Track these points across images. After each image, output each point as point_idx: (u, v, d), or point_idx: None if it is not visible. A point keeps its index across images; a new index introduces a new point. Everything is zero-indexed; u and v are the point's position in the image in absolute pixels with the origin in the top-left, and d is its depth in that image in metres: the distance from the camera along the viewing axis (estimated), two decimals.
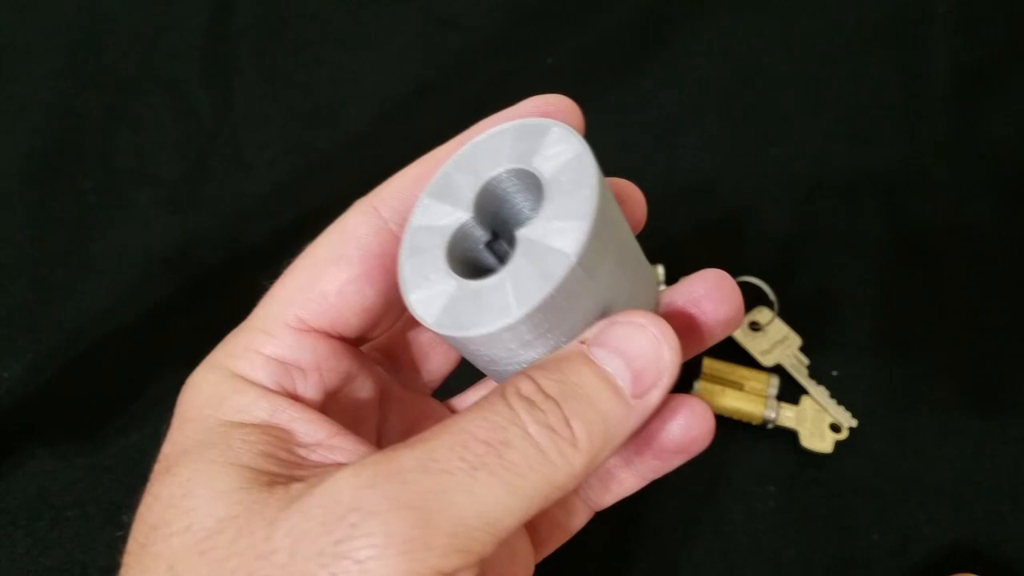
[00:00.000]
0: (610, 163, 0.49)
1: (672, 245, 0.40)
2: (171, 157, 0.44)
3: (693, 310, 0.21)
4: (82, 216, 0.42)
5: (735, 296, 0.21)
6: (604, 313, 0.18)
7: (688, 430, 0.20)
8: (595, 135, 0.46)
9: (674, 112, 0.45)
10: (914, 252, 0.41)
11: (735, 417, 0.37)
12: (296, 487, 0.17)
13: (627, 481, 0.22)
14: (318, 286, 0.20)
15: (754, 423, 0.37)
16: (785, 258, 0.41)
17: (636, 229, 0.23)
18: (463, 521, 0.16)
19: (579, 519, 0.23)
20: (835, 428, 0.37)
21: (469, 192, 0.19)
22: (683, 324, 0.21)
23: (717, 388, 0.37)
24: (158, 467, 0.19)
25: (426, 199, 0.19)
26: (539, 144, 0.18)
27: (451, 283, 0.18)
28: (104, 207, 0.43)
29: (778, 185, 0.43)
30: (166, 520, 0.18)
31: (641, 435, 0.20)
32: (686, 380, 0.37)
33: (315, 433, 0.19)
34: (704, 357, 0.38)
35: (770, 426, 0.37)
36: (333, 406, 0.21)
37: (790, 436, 0.37)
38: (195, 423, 0.19)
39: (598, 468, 0.19)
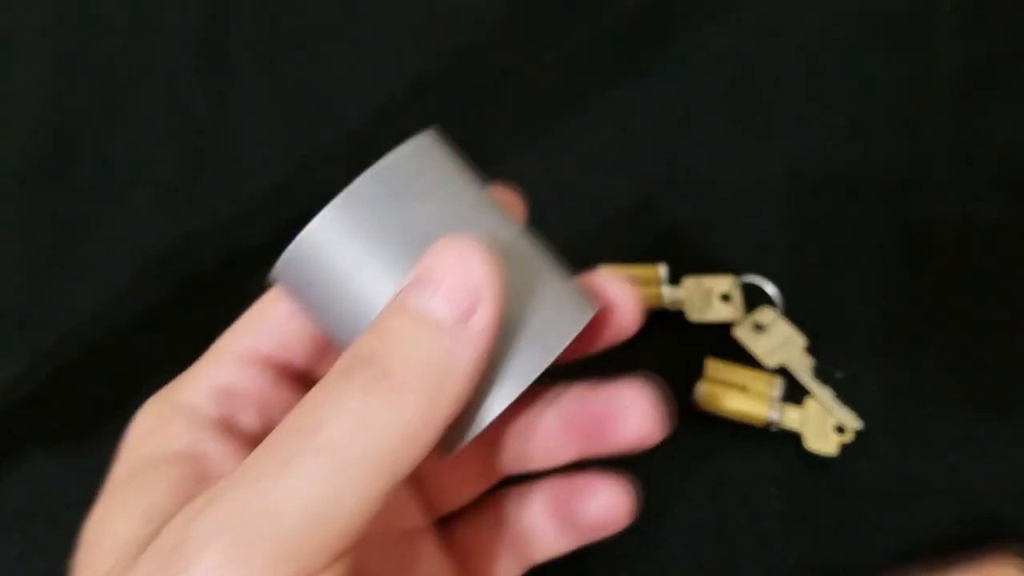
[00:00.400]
0: (609, 165, 0.49)
1: (674, 244, 0.40)
2: (166, 156, 0.43)
3: (604, 423, 0.21)
4: (77, 215, 0.42)
5: (651, 416, 0.21)
6: None
7: (606, 511, 0.21)
8: (596, 132, 0.46)
9: (675, 110, 0.45)
10: (920, 252, 0.41)
11: (738, 419, 0.36)
12: None
13: (554, 545, 0.23)
14: (268, 314, 0.21)
15: (757, 425, 0.36)
16: (788, 258, 0.41)
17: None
18: (283, 524, 0.15)
19: (510, 572, 0.23)
20: (840, 430, 0.36)
21: None
22: (591, 434, 0.21)
23: (720, 390, 0.36)
24: (97, 504, 0.20)
25: None
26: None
27: None
28: (99, 206, 0.42)
29: (781, 184, 0.43)
30: (84, 561, 0.18)
31: (564, 510, 0.21)
32: (688, 382, 0.37)
33: (231, 463, 0.19)
34: (707, 358, 0.37)
35: (774, 428, 0.36)
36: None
37: (794, 438, 0.36)
38: (125, 459, 0.20)
39: (462, 408, 0.17)
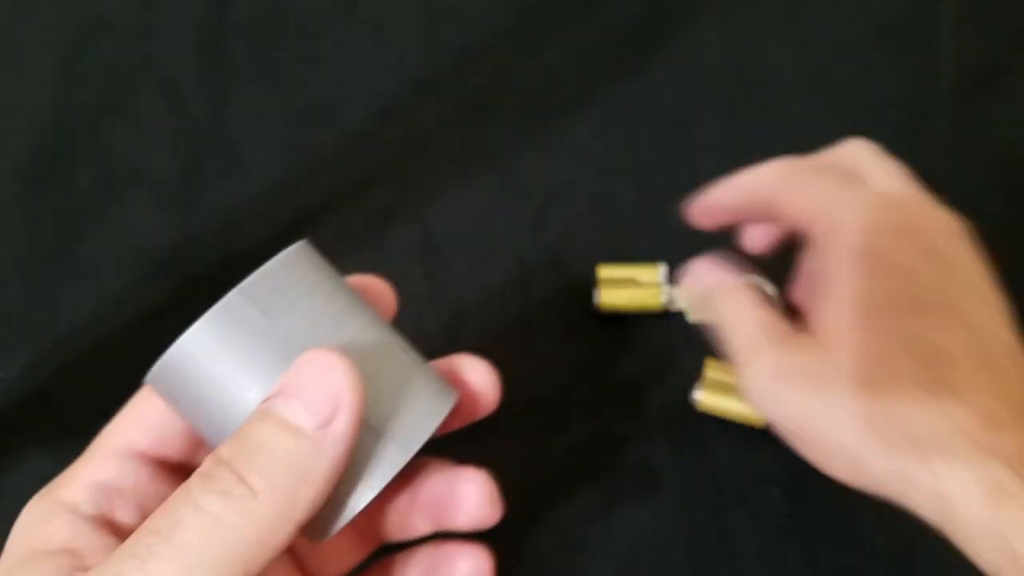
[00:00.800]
0: (611, 165, 0.49)
1: (673, 244, 0.40)
2: (166, 156, 0.43)
3: (447, 506, 0.24)
4: (77, 215, 0.42)
5: (487, 503, 0.24)
6: None
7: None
8: (596, 133, 0.46)
9: (676, 110, 0.45)
10: None
11: (738, 420, 0.36)
12: None
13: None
14: (143, 411, 0.22)
15: (757, 426, 0.36)
16: (789, 258, 0.41)
17: (387, 314, 0.25)
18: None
19: (355, 559, 0.25)
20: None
21: None
22: (438, 514, 0.24)
23: (720, 390, 0.36)
24: None
25: None
26: None
27: None
28: (99, 206, 0.42)
29: None
30: None
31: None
32: (688, 382, 0.37)
33: (105, 557, 0.19)
34: (707, 359, 0.37)
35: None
36: None
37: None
38: (8, 553, 0.21)
39: (317, 506, 0.19)
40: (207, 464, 0.18)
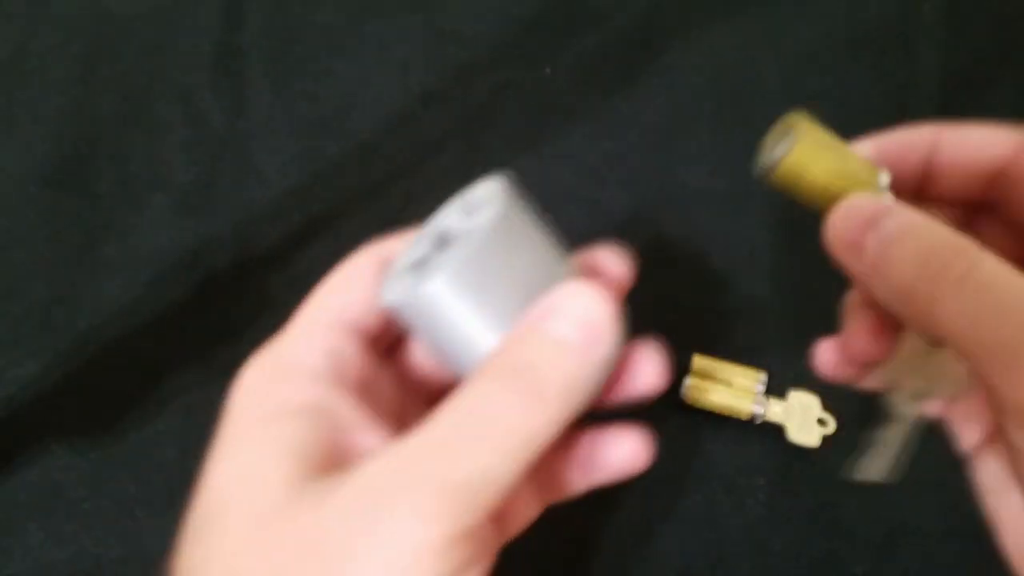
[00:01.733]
0: (605, 173, 0.50)
1: (666, 249, 0.41)
2: (183, 163, 0.45)
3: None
4: (96, 219, 0.43)
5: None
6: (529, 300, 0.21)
7: (629, 457, 0.24)
8: (590, 145, 0.47)
9: (668, 122, 0.46)
10: None
11: (724, 413, 0.38)
12: (338, 475, 0.19)
13: (573, 484, 0.25)
14: (352, 285, 0.23)
15: (743, 418, 0.38)
16: (778, 267, 0.42)
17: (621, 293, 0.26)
18: (470, 486, 0.18)
19: (534, 510, 0.26)
20: (821, 422, 0.38)
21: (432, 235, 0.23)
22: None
23: (706, 384, 0.38)
24: (215, 452, 0.21)
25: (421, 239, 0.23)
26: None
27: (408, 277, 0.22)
28: (118, 211, 0.44)
29: (771, 194, 0.44)
30: (226, 504, 0.20)
31: (588, 457, 0.24)
32: (676, 376, 0.38)
33: (353, 419, 0.21)
34: (694, 354, 0.38)
35: (758, 421, 0.37)
36: (366, 397, 0.22)
37: (778, 430, 0.38)
38: (250, 410, 0.21)
39: (577, 416, 0.21)
40: (502, 364, 0.20)
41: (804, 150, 0.22)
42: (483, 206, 0.22)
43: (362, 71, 0.47)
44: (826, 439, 0.37)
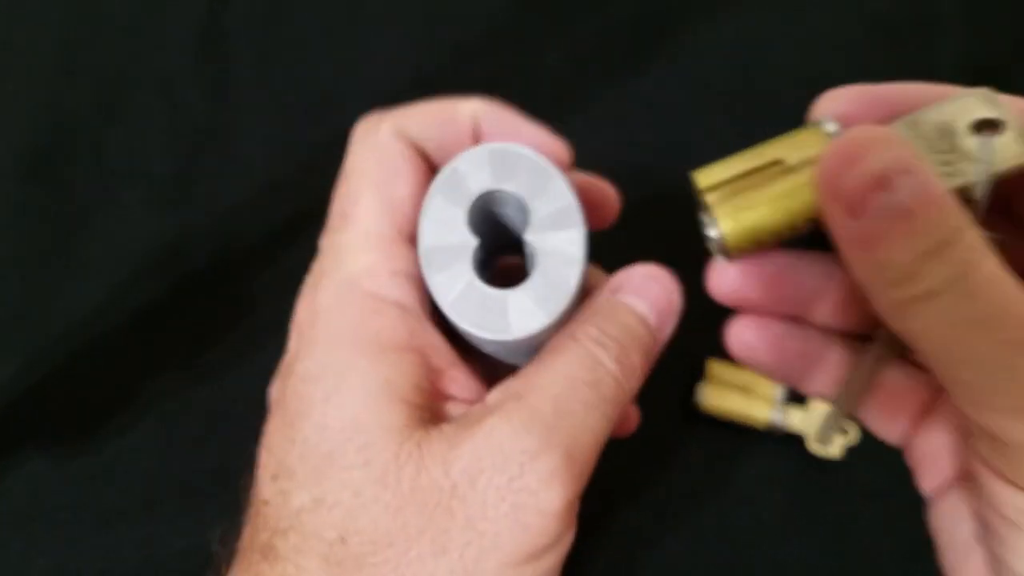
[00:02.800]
0: (612, 161, 0.49)
1: (675, 244, 0.40)
2: (164, 154, 0.43)
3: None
4: (73, 214, 0.42)
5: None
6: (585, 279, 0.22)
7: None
8: (597, 133, 0.46)
9: (677, 110, 0.44)
10: None
11: (741, 421, 0.36)
12: (448, 428, 0.20)
13: None
14: (395, 192, 0.22)
15: (760, 427, 0.36)
16: None
17: (606, 223, 0.27)
18: (587, 449, 0.20)
19: None
20: (844, 432, 0.36)
21: (472, 193, 0.22)
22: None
23: (722, 391, 0.36)
24: (310, 389, 0.20)
25: (437, 197, 0.22)
26: (541, 183, 0.22)
27: (477, 288, 0.21)
28: (96, 205, 0.42)
29: None
30: (341, 451, 0.19)
31: None
32: (691, 383, 0.37)
33: (441, 359, 0.21)
34: (709, 359, 0.37)
35: (777, 430, 0.36)
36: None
37: (797, 440, 0.36)
38: (346, 339, 0.21)
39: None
40: (597, 334, 0.21)
41: (728, 215, 0.20)
42: (541, 194, 0.22)
43: (351, 56, 0.46)
44: (848, 450, 0.36)
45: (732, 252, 0.21)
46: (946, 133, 0.19)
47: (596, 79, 0.45)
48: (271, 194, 0.42)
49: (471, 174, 0.22)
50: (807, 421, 0.36)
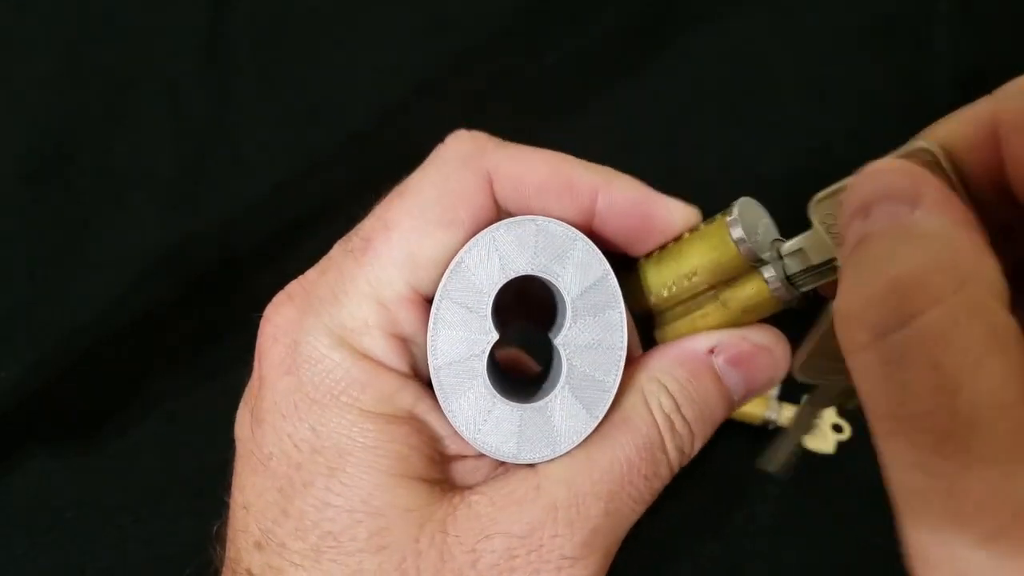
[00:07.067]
0: (610, 162, 0.49)
1: None
2: (168, 157, 0.44)
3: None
4: (79, 216, 0.42)
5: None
6: None
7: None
8: (596, 134, 0.46)
9: (675, 111, 0.45)
10: None
11: (736, 419, 0.36)
12: (479, 503, 0.18)
13: None
14: (427, 252, 0.19)
15: (755, 424, 0.36)
16: None
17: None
18: (621, 538, 0.19)
19: None
20: (837, 428, 0.36)
21: (490, 289, 0.19)
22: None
23: None
24: (306, 458, 0.18)
25: (448, 304, 0.19)
26: (564, 253, 0.19)
27: (503, 410, 0.19)
28: (101, 207, 0.42)
29: (780, 185, 0.43)
30: (349, 534, 0.18)
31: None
32: None
33: (441, 426, 0.19)
34: None
35: (772, 427, 0.36)
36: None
37: None
38: (339, 413, 0.18)
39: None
40: (671, 407, 0.19)
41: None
42: (579, 277, 0.19)
43: (354, 58, 0.46)
44: (842, 446, 0.36)
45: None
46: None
47: (596, 80, 0.45)
48: (273, 196, 0.43)
49: (479, 267, 0.19)
50: None
